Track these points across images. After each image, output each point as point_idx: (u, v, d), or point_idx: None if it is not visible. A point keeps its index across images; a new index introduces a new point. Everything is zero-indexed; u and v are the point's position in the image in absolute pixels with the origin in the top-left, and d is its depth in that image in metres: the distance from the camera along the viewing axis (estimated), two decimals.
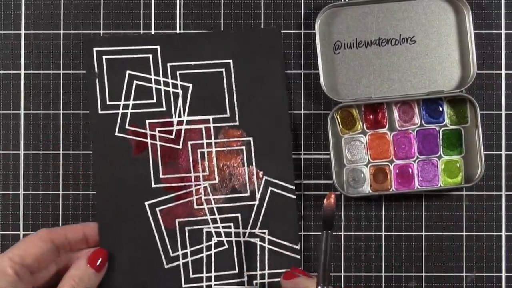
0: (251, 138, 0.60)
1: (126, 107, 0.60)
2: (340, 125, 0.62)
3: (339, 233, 0.62)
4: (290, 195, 0.60)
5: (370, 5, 0.61)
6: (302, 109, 0.62)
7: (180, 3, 0.62)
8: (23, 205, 0.62)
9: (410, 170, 0.61)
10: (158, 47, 0.60)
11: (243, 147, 0.60)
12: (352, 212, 0.62)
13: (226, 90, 0.60)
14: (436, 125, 0.62)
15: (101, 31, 0.62)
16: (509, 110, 0.62)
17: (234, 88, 0.60)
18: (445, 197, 0.62)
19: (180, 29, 0.62)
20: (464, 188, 0.62)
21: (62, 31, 0.62)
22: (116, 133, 0.60)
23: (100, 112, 0.60)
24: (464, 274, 0.62)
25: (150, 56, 0.60)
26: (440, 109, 0.62)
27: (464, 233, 0.62)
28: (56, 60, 0.62)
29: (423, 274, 0.62)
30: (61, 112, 0.62)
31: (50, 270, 0.57)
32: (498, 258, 0.62)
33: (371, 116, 0.62)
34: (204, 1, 0.62)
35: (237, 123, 0.60)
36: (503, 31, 0.62)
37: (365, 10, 0.61)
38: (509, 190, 0.62)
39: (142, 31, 0.62)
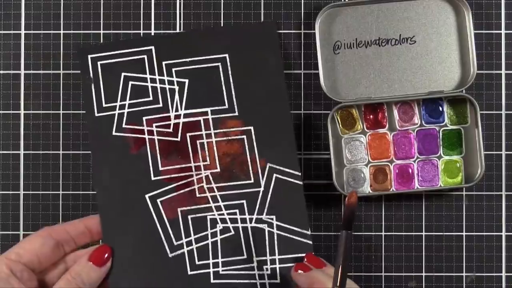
0: (251, 127, 0.60)
1: (122, 107, 0.60)
2: (340, 125, 0.62)
3: (339, 233, 0.61)
4: (296, 181, 0.59)
5: (370, 5, 0.61)
6: (302, 109, 0.62)
7: (180, 3, 0.62)
8: (23, 205, 0.62)
9: (410, 170, 0.61)
10: (152, 47, 0.60)
11: (244, 136, 0.60)
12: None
13: (223, 83, 0.60)
14: (436, 125, 0.62)
15: (101, 31, 0.62)
16: (509, 110, 0.62)
17: (231, 81, 0.60)
18: (445, 197, 0.62)
19: (180, 29, 0.62)
20: (464, 188, 0.62)
21: (62, 31, 0.62)
22: (114, 133, 0.60)
23: (96, 115, 0.60)
24: (464, 274, 0.62)
25: (145, 57, 0.60)
26: (440, 109, 0.62)
27: (464, 233, 0.62)
28: (56, 60, 0.62)
29: (423, 274, 0.62)
30: (61, 112, 0.62)
31: (60, 269, 0.57)
32: (498, 258, 0.62)
33: (371, 116, 0.62)
34: (204, 1, 0.62)
35: (236, 114, 0.60)
36: (503, 31, 0.62)
37: (365, 10, 0.61)
38: (509, 190, 0.62)
39: (142, 31, 0.62)
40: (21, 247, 0.54)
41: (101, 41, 0.62)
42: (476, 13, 0.62)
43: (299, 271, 0.55)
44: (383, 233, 0.62)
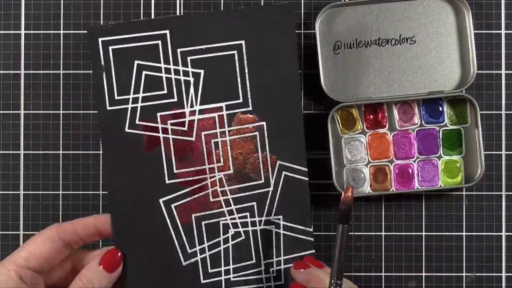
0: (264, 123, 0.58)
1: (135, 100, 0.57)
2: (340, 125, 0.62)
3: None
4: (303, 178, 0.58)
5: (370, 5, 0.61)
6: (302, 109, 0.62)
7: (180, 3, 0.62)
8: (23, 205, 0.62)
9: (410, 170, 0.61)
10: (167, 32, 0.57)
11: (257, 133, 0.58)
12: (352, 212, 0.62)
13: (238, 73, 0.58)
14: (436, 125, 0.62)
15: None
16: (509, 110, 0.62)
17: (246, 71, 0.58)
18: (445, 197, 0.62)
19: None
20: (464, 188, 0.62)
21: (62, 31, 0.62)
22: (127, 130, 0.57)
23: (108, 108, 0.57)
24: (464, 274, 0.62)
25: (159, 42, 0.57)
26: (440, 109, 0.62)
27: (464, 233, 0.62)
28: (56, 60, 0.62)
29: (423, 274, 0.62)
30: (61, 112, 0.62)
31: (66, 267, 0.56)
32: (498, 258, 0.62)
33: (371, 116, 0.62)
34: (204, 1, 0.62)
35: (250, 108, 0.58)
36: (503, 31, 0.62)
37: (365, 10, 0.61)
38: (509, 190, 0.62)
39: None
40: (29, 251, 0.53)
41: None
42: (476, 13, 0.62)
43: (301, 270, 0.55)
44: (383, 233, 0.62)
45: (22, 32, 0.62)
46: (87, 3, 0.62)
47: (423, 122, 0.62)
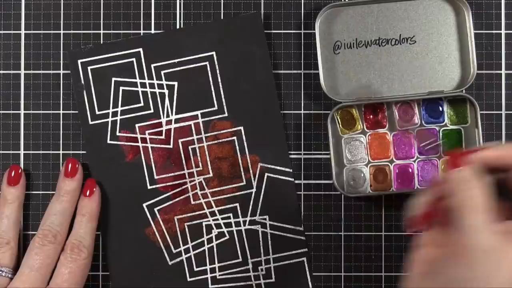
0: (241, 127, 0.61)
1: (115, 114, 0.61)
2: (340, 125, 0.62)
3: (339, 233, 0.62)
4: (288, 178, 0.61)
5: (370, 5, 0.61)
6: (302, 109, 0.62)
7: (180, 3, 0.62)
8: (23, 205, 0.62)
9: (410, 170, 0.61)
10: (141, 49, 0.61)
11: (234, 138, 0.61)
12: (352, 212, 0.62)
13: (211, 83, 0.61)
14: (436, 125, 0.62)
15: (101, 31, 0.62)
16: (509, 110, 0.62)
17: (219, 80, 0.61)
18: None
19: None
20: None
21: (62, 31, 0.62)
22: (108, 141, 0.61)
23: (90, 122, 0.61)
24: None
25: (134, 60, 0.61)
26: (440, 109, 0.62)
27: None
28: (56, 60, 0.62)
29: None
30: (61, 112, 0.62)
31: None
32: None
33: (371, 116, 0.62)
34: (204, 1, 0.62)
35: (226, 115, 0.61)
36: (503, 31, 0.62)
37: (365, 10, 0.61)
38: None
39: (142, 31, 0.62)
40: None
41: (101, 41, 0.62)
42: (476, 13, 0.62)
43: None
44: (383, 233, 0.62)
45: (22, 32, 0.62)
46: (87, 3, 0.62)
47: (423, 122, 0.62)
